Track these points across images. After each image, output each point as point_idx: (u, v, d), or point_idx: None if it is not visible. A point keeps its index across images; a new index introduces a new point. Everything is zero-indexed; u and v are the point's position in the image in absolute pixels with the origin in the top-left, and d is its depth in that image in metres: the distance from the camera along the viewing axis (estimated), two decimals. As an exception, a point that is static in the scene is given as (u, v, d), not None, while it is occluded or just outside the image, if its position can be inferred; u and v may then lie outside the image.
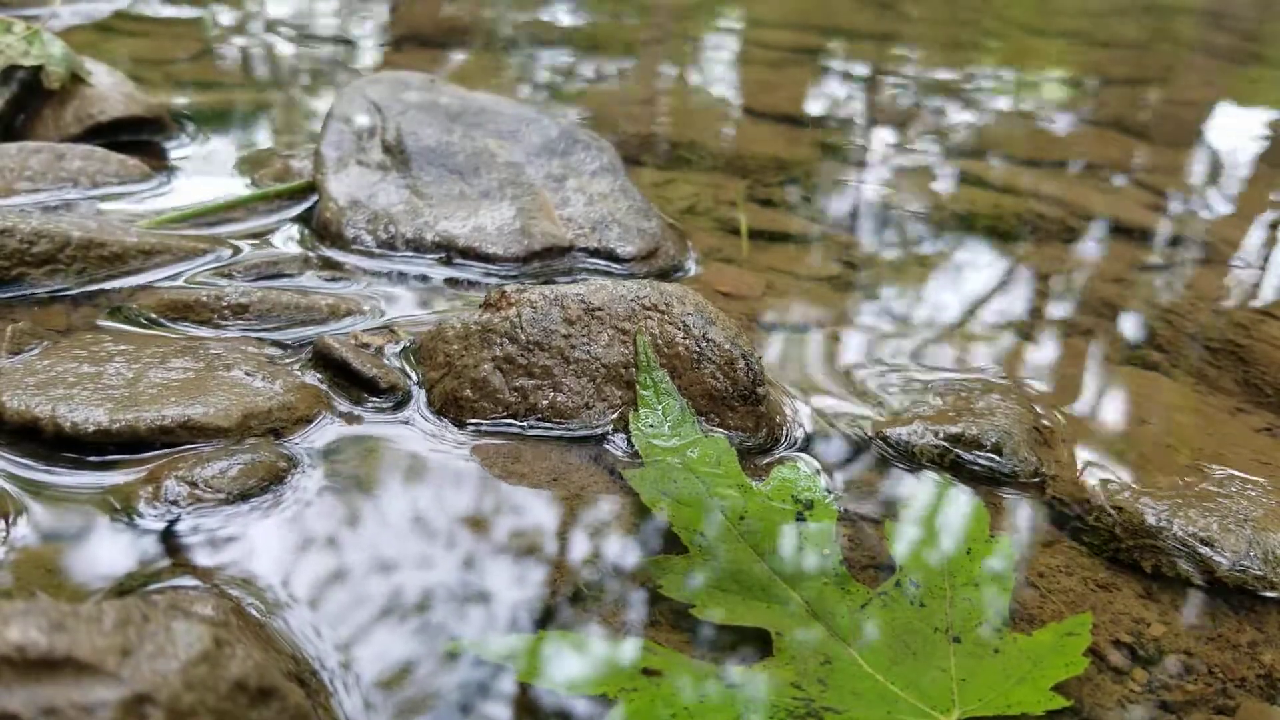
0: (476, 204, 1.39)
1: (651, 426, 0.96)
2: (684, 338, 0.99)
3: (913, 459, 0.99)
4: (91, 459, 0.85)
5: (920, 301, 1.40)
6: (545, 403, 0.98)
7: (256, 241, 1.34)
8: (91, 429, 0.85)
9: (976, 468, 0.98)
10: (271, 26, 2.75)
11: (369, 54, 2.57)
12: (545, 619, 0.76)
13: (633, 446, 0.94)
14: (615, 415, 0.98)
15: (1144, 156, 2.29)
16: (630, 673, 0.69)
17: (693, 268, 1.41)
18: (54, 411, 0.86)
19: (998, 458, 0.98)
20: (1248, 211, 1.97)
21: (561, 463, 0.94)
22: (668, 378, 0.98)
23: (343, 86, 1.66)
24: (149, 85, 1.91)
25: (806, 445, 1.02)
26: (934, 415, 1.04)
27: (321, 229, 1.35)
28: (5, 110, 1.57)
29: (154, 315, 1.11)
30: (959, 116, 2.50)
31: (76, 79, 1.62)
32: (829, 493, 0.92)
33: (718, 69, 2.87)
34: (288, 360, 1.04)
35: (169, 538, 0.78)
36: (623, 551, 0.84)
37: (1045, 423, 1.07)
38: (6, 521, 0.78)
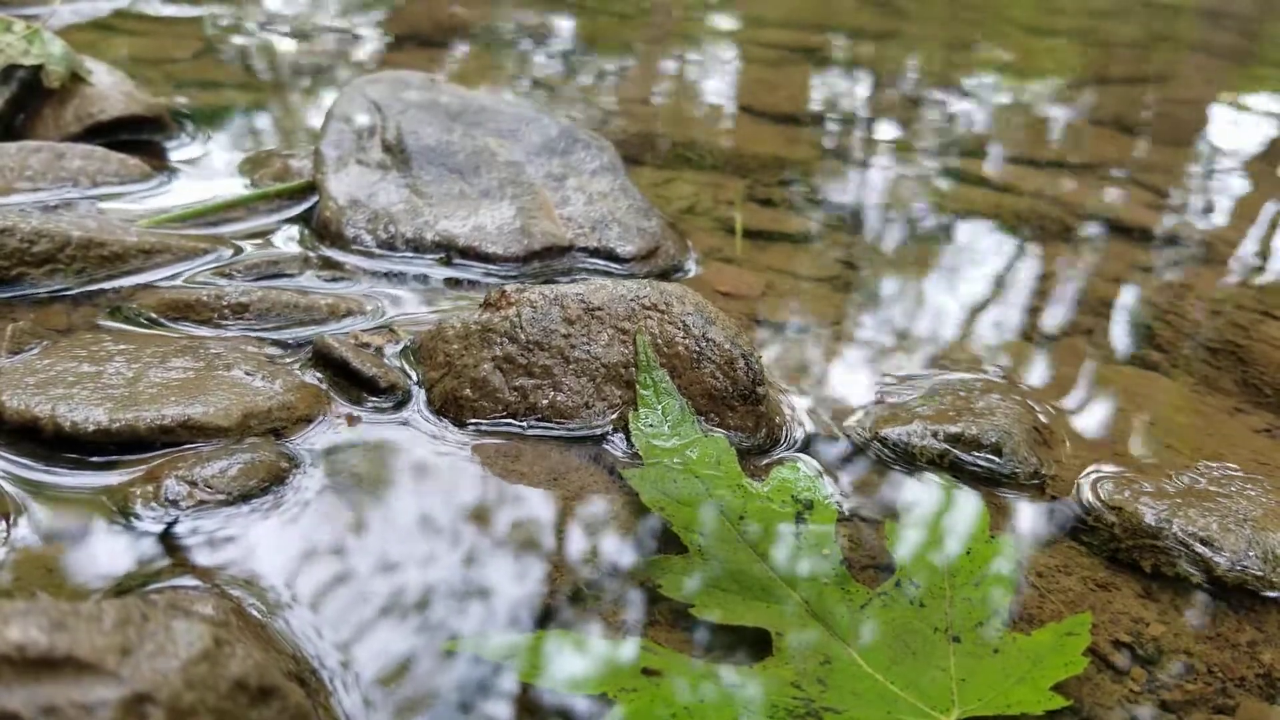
0: (476, 203, 1.39)
1: (651, 426, 0.96)
2: (684, 337, 0.99)
3: (912, 459, 0.99)
4: (91, 459, 0.85)
5: (920, 301, 1.40)
6: (545, 402, 0.98)
7: (256, 241, 1.34)
8: (91, 428, 0.85)
9: (976, 468, 0.98)
10: (271, 26, 2.75)
11: (369, 53, 2.57)
12: (545, 618, 0.76)
13: (632, 446, 0.94)
14: (615, 415, 0.98)
15: (1144, 156, 2.29)
16: (630, 672, 0.69)
17: (693, 267, 1.41)
18: (54, 411, 0.86)
19: (997, 458, 0.98)
20: (1247, 211, 1.97)
21: (561, 462, 0.94)
22: (667, 377, 0.98)
23: (343, 86, 1.66)
24: (149, 84, 1.91)
25: (806, 445, 1.02)
26: (933, 415, 1.04)
27: (321, 228, 1.35)
28: (5, 109, 1.57)
29: (154, 315, 1.11)
30: (959, 116, 2.50)
31: (76, 78, 1.62)
32: (828, 493, 0.92)
33: (717, 68, 2.87)
34: (288, 360, 1.04)
35: (169, 537, 0.78)
36: (622, 551, 0.84)
37: (1045, 422, 1.07)
38: (6, 521, 0.78)
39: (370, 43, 2.69)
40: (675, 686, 0.68)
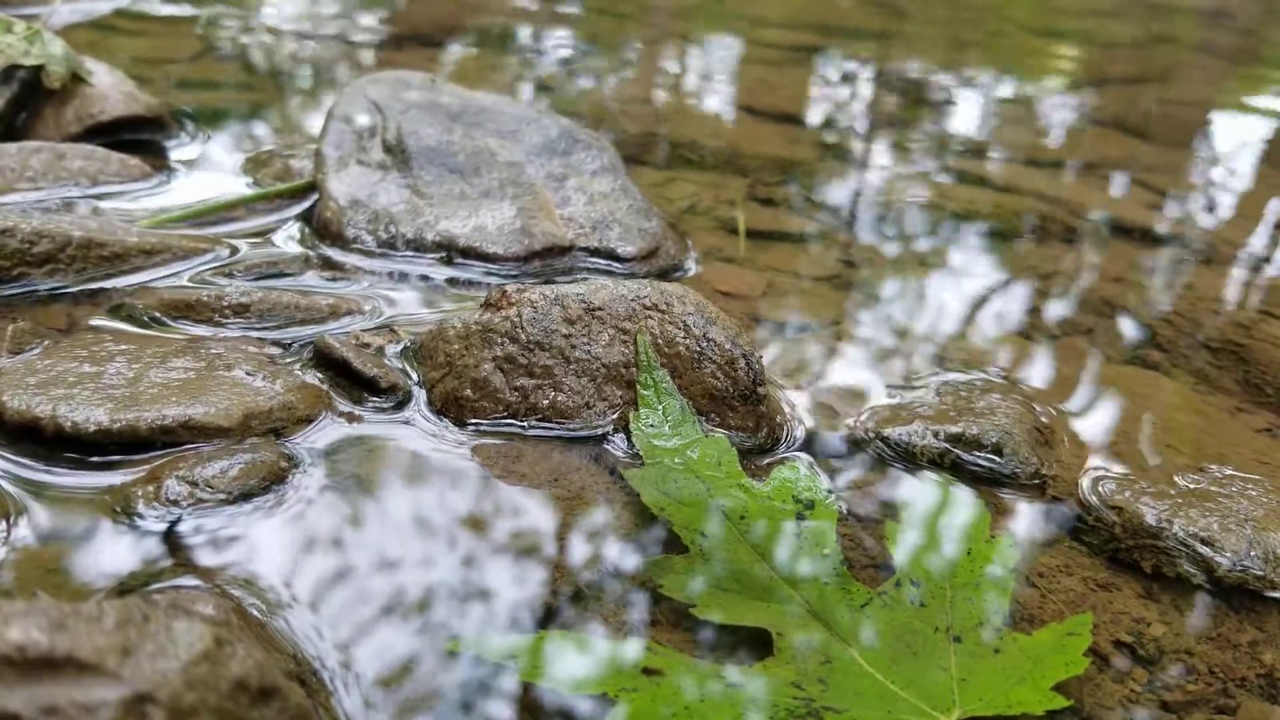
0: (477, 203, 1.39)
1: (652, 426, 0.96)
2: (685, 337, 0.99)
3: (913, 459, 0.99)
4: (92, 459, 0.85)
5: (920, 301, 1.40)
6: (546, 402, 0.98)
7: (257, 241, 1.34)
8: (92, 429, 0.85)
9: (977, 468, 0.98)
10: (271, 26, 2.75)
11: (369, 53, 2.57)
12: (546, 618, 0.76)
13: (633, 446, 0.94)
14: (616, 415, 0.98)
15: (1144, 156, 2.29)
16: (631, 672, 0.69)
17: (693, 267, 1.41)
18: (55, 411, 0.86)
19: (998, 458, 0.98)
20: (1248, 211, 1.97)
21: (562, 463, 0.94)
22: (668, 377, 0.98)
23: (343, 86, 1.66)
24: (149, 85, 1.91)
25: (807, 445, 1.02)
26: (934, 415, 1.04)
27: (322, 228, 1.35)
28: (6, 110, 1.57)
29: (155, 315, 1.11)
30: (959, 116, 2.50)
31: (77, 78, 1.62)
32: (829, 493, 0.92)
33: (717, 68, 2.87)
34: (288, 360, 1.04)
35: (170, 538, 0.78)
36: (623, 551, 0.84)
37: (1045, 422, 1.07)
38: (7, 521, 0.78)
39: (370, 43, 2.69)
40: (677, 686, 0.68)
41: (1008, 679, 0.71)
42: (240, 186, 1.52)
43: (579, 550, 0.83)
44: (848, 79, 2.80)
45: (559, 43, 2.91)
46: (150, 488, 0.82)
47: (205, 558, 0.77)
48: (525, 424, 0.98)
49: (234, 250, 1.30)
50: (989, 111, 2.60)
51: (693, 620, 0.77)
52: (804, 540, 0.84)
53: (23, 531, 0.77)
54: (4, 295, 1.11)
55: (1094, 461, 1.02)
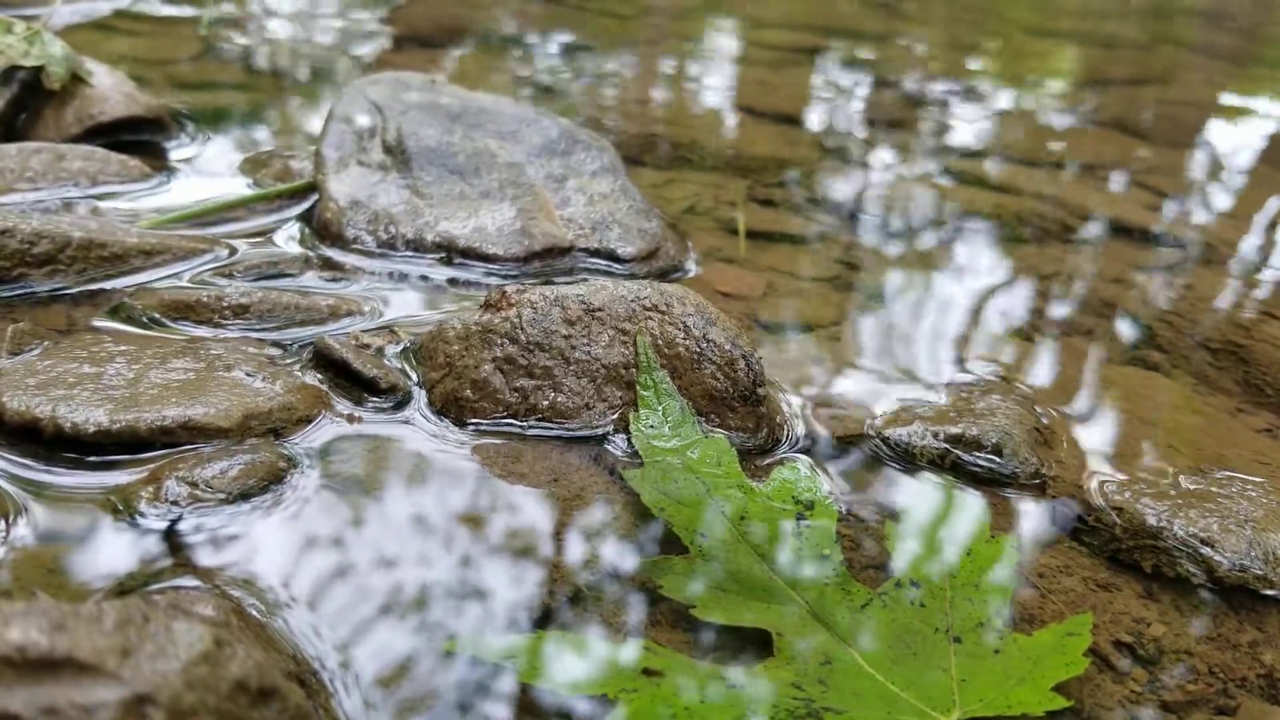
0: (477, 204, 1.39)
1: (652, 427, 0.95)
2: (684, 338, 0.99)
3: (913, 460, 0.99)
4: (92, 459, 0.85)
5: (920, 301, 1.40)
6: (546, 403, 0.98)
7: (257, 241, 1.34)
8: (92, 429, 0.85)
9: (977, 468, 0.98)
10: (271, 26, 2.75)
11: (369, 54, 2.57)
12: (545, 619, 0.76)
13: (633, 447, 0.94)
14: (615, 416, 0.98)
15: (1144, 156, 2.29)
16: (631, 673, 0.69)
17: (693, 268, 1.41)
18: (54, 412, 0.86)
19: (998, 458, 0.98)
20: (1248, 212, 1.97)
21: (562, 463, 0.94)
22: (668, 378, 0.98)
23: (343, 87, 1.66)
24: (149, 85, 1.91)
25: (807, 446, 1.02)
26: (934, 416, 1.04)
27: (322, 229, 1.35)
28: (6, 110, 1.57)
29: (154, 315, 1.11)
30: (959, 116, 2.50)
31: (77, 79, 1.62)
32: (829, 494, 0.92)
33: (717, 69, 2.87)
34: (288, 360, 1.04)
35: (169, 538, 0.78)
36: (623, 552, 0.84)
37: (1045, 423, 1.07)
38: (7, 522, 0.78)
39: (370, 43, 2.69)
40: (676, 687, 0.68)
41: (1008, 679, 0.71)
42: (240, 187, 1.52)
43: (578, 550, 0.83)
44: (848, 79, 2.80)
45: (559, 43, 2.91)
46: (150, 488, 0.82)
47: (205, 558, 0.77)
48: (525, 424, 0.98)
49: (234, 251, 1.30)
50: (989, 112, 2.60)
51: (692, 621, 0.77)
52: (804, 541, 0.84)
53: (22, 531, 0.77)
54: (4, 296, 1.11)
55: (1094, 462, 1.02)
